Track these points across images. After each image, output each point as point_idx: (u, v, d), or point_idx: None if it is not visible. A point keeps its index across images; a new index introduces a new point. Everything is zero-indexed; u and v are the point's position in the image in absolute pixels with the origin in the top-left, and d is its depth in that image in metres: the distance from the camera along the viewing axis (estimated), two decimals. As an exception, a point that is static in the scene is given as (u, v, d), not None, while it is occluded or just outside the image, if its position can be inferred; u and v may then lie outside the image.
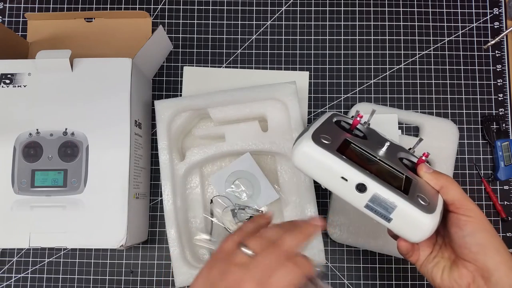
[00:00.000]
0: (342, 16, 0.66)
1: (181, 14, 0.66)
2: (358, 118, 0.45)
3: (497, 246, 0.38)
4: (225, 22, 0.66)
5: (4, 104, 0.54)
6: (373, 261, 0.60)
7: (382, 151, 0.44)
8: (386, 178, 0.39)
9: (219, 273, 0.36)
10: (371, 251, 0.60)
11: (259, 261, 0.35)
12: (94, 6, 0.67)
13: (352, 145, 0.42)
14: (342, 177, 0.38)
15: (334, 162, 0.38)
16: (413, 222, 0.37)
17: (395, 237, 0.42)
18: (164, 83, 0.65)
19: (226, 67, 0.65)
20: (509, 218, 0.61)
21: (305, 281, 0.36)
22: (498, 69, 0.65)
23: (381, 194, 0.38)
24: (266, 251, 0.36)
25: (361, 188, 0.38)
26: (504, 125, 0.63)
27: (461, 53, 0.65)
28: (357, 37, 0.66)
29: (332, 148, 0.39)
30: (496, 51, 0.65)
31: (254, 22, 0.66)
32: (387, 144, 0.44)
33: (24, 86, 0.54)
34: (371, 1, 0.66)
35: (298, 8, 0.66)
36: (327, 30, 0.66)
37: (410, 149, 0.47)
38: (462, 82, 0.65)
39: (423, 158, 0.44)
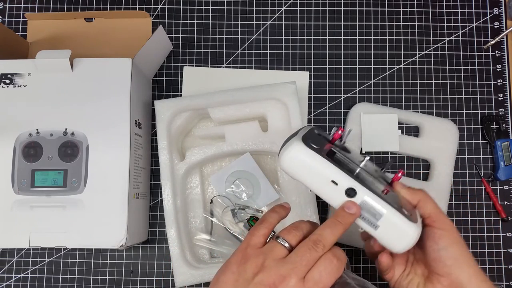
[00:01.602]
0: (342, 16, 0.66)
1: (181, 14, 0.66)
2: (340, 132, 0.45)
3: (468, 260, 0.39)
4: (225, 22, 0.66)
5: (4, 104, 0.54)
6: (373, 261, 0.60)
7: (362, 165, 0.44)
8: (371, 187, 0.39)
9: (255, 268, 0.35)
10: (371, 251, 0.60)
11: (299, 254, 0.35)
12: (94, 6, 0.67)
13: (337, 154, 0.43)
14: (333, 181, 0.38)
15: (326, 165, 0.38)
16: (399, 231, 0.38)
17: (372, 255, 0.43)
18: (164, 83, 0.65)
19: (226, 67, 0.65)
20: (509, 218, 0.61)
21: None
22: (498, 69, 0.65)
23: (370, 200, 0.38)
24: (305, 244, 0.35)
25: (350, 193, 0.38)
26: (504, 125, 0.63)
27: (461, 53, 0.65)
28: (357, 37, 0.66)
29: (322, 152, 0.39)
30: (496, 51, 0.65)
31: (254, 22, 0.66)
32: (367, 158, 0.45)
33: (24, 86, 0.54)
34: (371, 1, 0.66)
35: (298, 8, 0.66)
36: (327, 30, 0.66)
37: (382, 169, 0.47)
38: (462, 82, 0.65)
39: (399, 175, 0.44)
